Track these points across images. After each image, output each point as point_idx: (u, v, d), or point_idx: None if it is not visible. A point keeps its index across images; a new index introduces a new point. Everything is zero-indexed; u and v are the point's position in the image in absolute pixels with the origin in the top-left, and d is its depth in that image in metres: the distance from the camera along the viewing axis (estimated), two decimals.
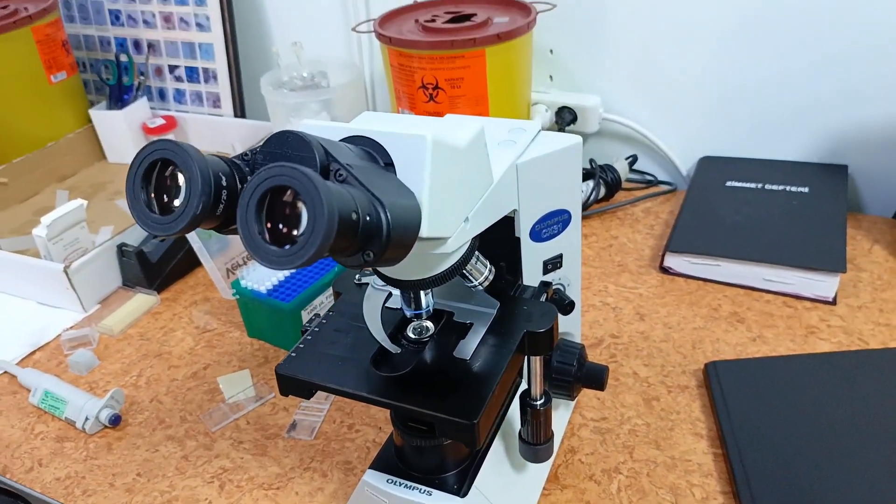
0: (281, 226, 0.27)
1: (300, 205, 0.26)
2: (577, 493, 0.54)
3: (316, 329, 0.46)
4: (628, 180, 0.97)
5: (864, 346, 0.65)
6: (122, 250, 0.82)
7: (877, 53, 0.80)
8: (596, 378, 0.52)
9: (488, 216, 0.42)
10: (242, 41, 1.13)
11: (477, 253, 0.43)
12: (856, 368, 0.61)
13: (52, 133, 1.11)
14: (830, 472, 0.52)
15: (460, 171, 0.36)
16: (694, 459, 0.56)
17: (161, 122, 1.15)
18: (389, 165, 0.34)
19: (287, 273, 0.72)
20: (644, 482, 0.55)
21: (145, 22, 1.17)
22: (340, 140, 0.34)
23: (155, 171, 0.29)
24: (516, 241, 0.49)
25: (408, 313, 0.44)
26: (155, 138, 0.29)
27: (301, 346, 0.45)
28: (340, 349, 0.44)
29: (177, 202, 0.29)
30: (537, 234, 0.50)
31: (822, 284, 0.71)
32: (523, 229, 0.48)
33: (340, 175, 0.29)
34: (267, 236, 0.27)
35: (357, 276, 0.50)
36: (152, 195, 0.29)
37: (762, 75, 0.87)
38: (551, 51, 0.97)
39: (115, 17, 1.19)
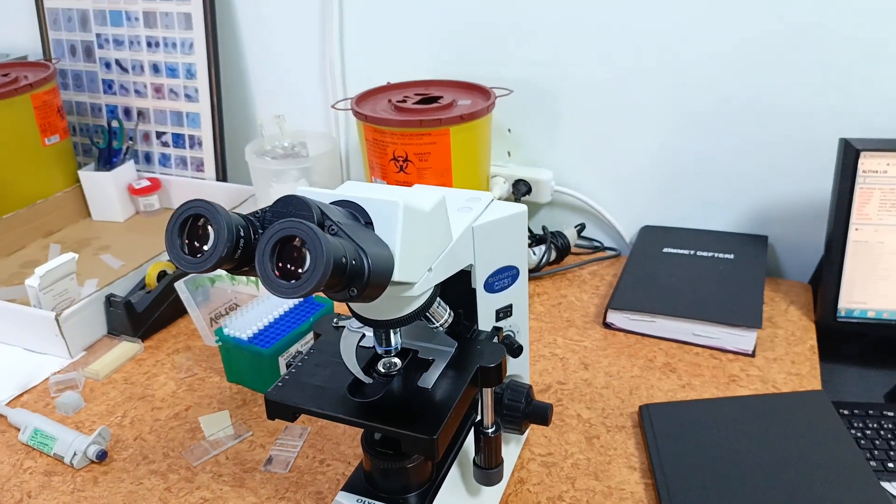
0: (289, 265, 0.35)
1: (304, 250, 0.34)
2: None
3: (299, 363, 0.53)
4: (577, 246, 1.07)
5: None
6: (109, 301, 0.88)
7: (792, 140, 0.93)
8: (541, 414, 0.60)
9: (448, 268, 0.50)
10: (227, 111, 1.23)
11: (438, 299, 0.52)
12: (768, 409, 0.70)
13: (41, 191, 1.17)
14: (745, 499, 0.60)
15: (425, 230, 0.45)
16: (627, 489, 0.64)
17: (146, 183, 1.23)
18: (369, 224, 0.43)
19: (266, 322, 0.79)
20: None
21: (136, 91, 1.26)
22: (330, 203, 0.43)
23: (188, 222, 0.37)
24: (473, 292, 0.58)
25: (379, 350, 0.51)
26: (191, 200, 0.37)
27: (286, 376, 0.52)
28: (320, 380, 0.52)
29: (205, 247, 0.37)
30: (490, 286, 0.58)
31: (743, 339, 0.81)
32: (479, 281, 0.57)
33: (333, 230, 0.37)
34: (277, 273, 0.35)
35: (335, 320, 0.57)
36: (186, 241, 0.37)
37: (696, 155, 0.99)
38: (509, 130, 1.09)
39: (108, 86, 1.28)
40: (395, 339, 0.51)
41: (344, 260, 0.35)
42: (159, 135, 1.27)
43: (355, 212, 0.43)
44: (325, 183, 1.02)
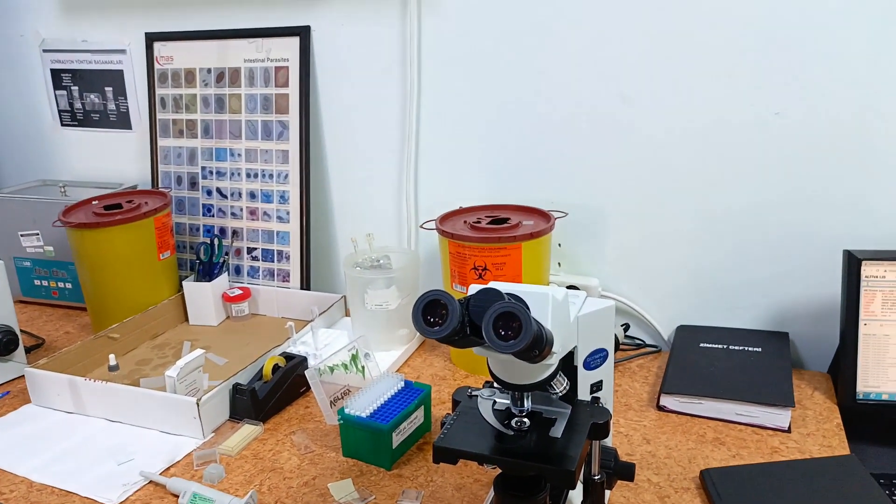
0: (502, 331, 0.52)
1: (517, 322, 0.51)
2: None
3: (451, 422, 0.69)
4: (623, 343, 1.24)
5: None
6: (236, 389, 1.03)
7: (804, 249, 1.12)
8: (628, 471, 0.75)
9: (566, 346, 0.67)
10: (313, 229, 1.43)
11: (560, 371, 0.68)
12: (811, 471, 0.84)
13: (151, 299, 1.35)
14: None
15: (560, 315, 0.63)
16: None
17: (239, 292, 1.41)
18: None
19: (379, 404, 0.94)
20: None
21: (233, 214, 1.47)
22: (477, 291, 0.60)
23: (424, 304, 0.55)
24: (575, 369, 0.74)
25: (514, 410, 0.67)
26: (429, 290, 0.55)
27: (444, 432, 0.67)
28: (471, 434, 0.67)
29: (440, 321, 0.54)
30: (588, 364, 0.75)
31: (779, 417, 0.96)
32: (580, 360, 0.74)
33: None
34: (496, 337, 0.52)
35: (469, 391, 0.73)
36: (428, 317, 0.54)
37: (722, 266, 1.18)
38: (559, 244, 1.28)
39: (207, 209, 1.49)
40: (528, 402, 0.67)
41: (540, 330, 0.52)
42: (250, 250, 1.47)
43: (514, 299, 0.61)
44: (409, 289, 1.20)
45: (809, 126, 1.07)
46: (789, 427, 0.96)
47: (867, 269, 0.97)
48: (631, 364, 1.18)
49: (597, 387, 0.77)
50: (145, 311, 1.32)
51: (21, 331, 1.22)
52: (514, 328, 0.52)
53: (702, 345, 1.15)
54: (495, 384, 0.68)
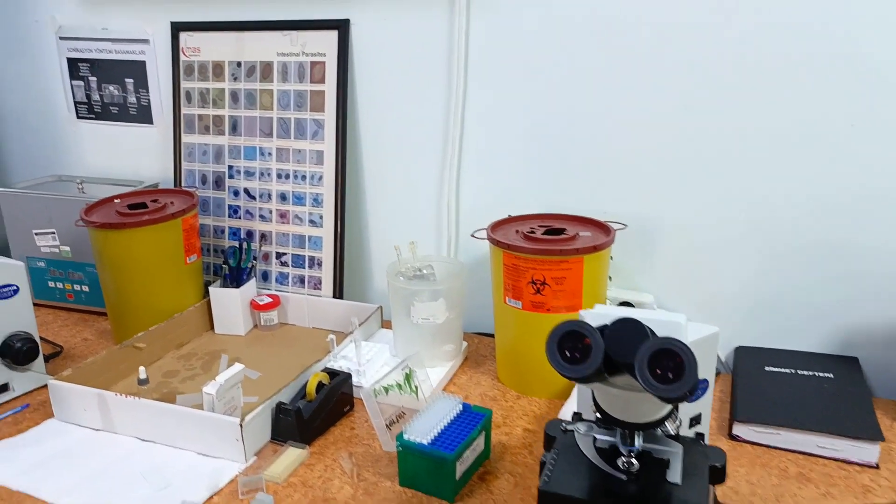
0: (658, 371, 0.45)
1: (678, 360, 0.45)
2: None
3: (552, 462, 0.62)
4: None
5: None
6: (280, 409, 0.96)
7: (873, 272, 1.06)
8: None
9: None
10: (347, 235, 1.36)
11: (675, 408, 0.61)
12: None
13: (178, 305, 1.27)
14: None
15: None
16: None
17: (268, 300, 1.33)
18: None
19: (439, 430, 0.87)
20: None
21: (262, 217, 1.39)
22: (613, 322, 0.53)
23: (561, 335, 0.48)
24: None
25: (623, 449, 0.60)
26: (566, 321, 0.48)
27: (548, 474, 0.60)
28: (577, 476, 0.60)
29: (580, 356, 0.47)
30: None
31: (866, 451, 0.90)
32: None
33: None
34: (653, 379, 0.45)
35: (562, 425, 0.66)
36: (565, 351, 0.47)
37: (783, 282, 1.12)
38: (611, 257, 1.22)
39: (234, 211, 1.41)
40: (639, 441, 0.60)
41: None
42: (279, 255, 1.39)
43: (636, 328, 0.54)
44: (456, 302, 1.13)
45: (884, 140, 1.00)
46: (877, 463, 0.90)
47: None
48: None
49: (696, 420, 0.70)
50: (171, 319, 1.24)
51: (40, 338, 1.14)
52: (673, 368, 0.45)
53: (767, 368, 1.09)
54: (597, 418, 0.61)
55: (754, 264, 1.13)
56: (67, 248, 1.40)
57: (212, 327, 1.34)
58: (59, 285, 1.43)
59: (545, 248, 1.02)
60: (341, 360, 1.13)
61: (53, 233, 1.39)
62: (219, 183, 1.42)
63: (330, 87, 1.30)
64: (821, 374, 1.06)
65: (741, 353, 1.15)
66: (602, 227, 1.11)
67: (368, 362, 1.13)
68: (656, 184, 1.15)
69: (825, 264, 1.09)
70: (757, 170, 1.09)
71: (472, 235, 1.09)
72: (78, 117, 1.57)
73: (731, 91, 1.07)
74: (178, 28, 1.40)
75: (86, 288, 1.41)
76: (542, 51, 1.16)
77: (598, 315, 0.53)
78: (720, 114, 1.08)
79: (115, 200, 1.31)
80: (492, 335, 1.29)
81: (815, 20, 1.00)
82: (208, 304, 1.32)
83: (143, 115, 1.51)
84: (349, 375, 1.03)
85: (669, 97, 1.10)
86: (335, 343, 1.11)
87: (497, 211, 1.26)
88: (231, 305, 1.30)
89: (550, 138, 1.20)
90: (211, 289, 1.31)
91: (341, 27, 1.27)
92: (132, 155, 1.54)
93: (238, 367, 0.99)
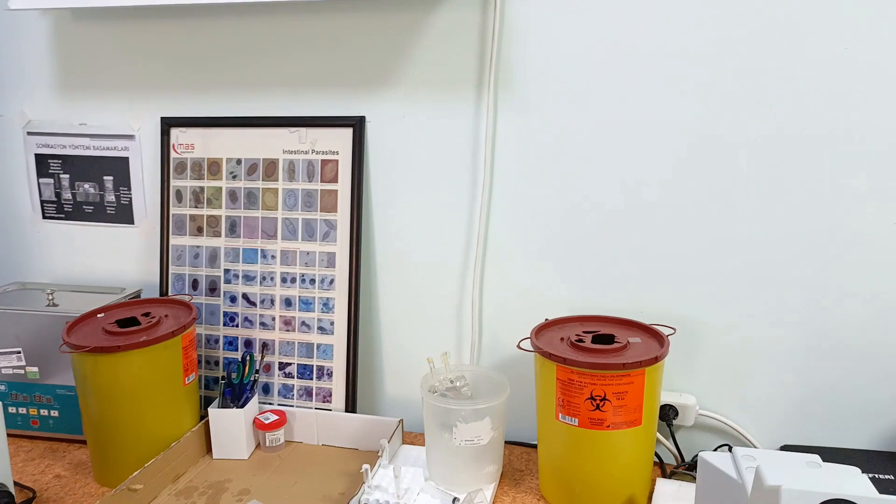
0: None
1: None
2: None
3: None
4: None
5: None
6: None
7: None
8: None
9: None
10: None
11: None
12: None
13: (173, 432, 1.12)
14: None
15: None
16: None
17: (274, 417, 1.20)
18: None
19: None
20: None
21: (262, 324, 1.27)
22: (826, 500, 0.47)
23: None
24: None
25: None
26: (831, 499, 0.40)
27: None
28: None
29: None
30: None
31: None
32: None
33: None
34: None
35: None
36: None
37: (828, 381, 1.09)
38: None
39: (230, 318, 1.29)
40: None
41: None
42: (283, 366, 1.26)
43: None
44: (500, 419, 1.04)
45: None
46: None
47: None
48: None
49: None
50: (168, 450, 1.09)
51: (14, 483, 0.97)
52: None
53: None
54: None
55: (800, 361, 1.10)
56: (35, 369, 1.22)
57: (209, 451, 1.19)
58: (23, 410, 1.25)
59: (604, 361, 0.96)
60: (375, 491, 1.00)
61: (19, 352, 1.22)
62: (213, 288, 1.29)
63: (344, 187, 1.22)
64: (881, 477, 1.02)
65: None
66: (650, 332, 1.06)
67: (407, 492, 1.01)
68: (694, 280, 1.12)
69: (875, 360, 1.07)
70: (800, 266, 1.07)
71: (518, 346, 1.02)
72: (44, 217, 1.41)
73: (768, 185, 1.06)
74: (169, 124, 1.29)
75: (55, 413, 1.23)
76: (570, 148, 1.13)
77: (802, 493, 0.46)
78: (760, 209, 1.07)
79: (99, 315, 1.16)
80: (522, 444, 1.20)
81: (867, 130, 1.01)
82: (206, 426, 1.17)
83: (124, 214, 1.37)
84: None
85: (707, 195, 1.08)
86: (369, 473, 0.99)
87: (522, 311, 1.20)
88: (233, 427, 1.16)
89: (580, 238, 1.15)
90: (210, 410, 1.16)
91: (357, 125, 1.21)
92: (108, 258, 1.39)
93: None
